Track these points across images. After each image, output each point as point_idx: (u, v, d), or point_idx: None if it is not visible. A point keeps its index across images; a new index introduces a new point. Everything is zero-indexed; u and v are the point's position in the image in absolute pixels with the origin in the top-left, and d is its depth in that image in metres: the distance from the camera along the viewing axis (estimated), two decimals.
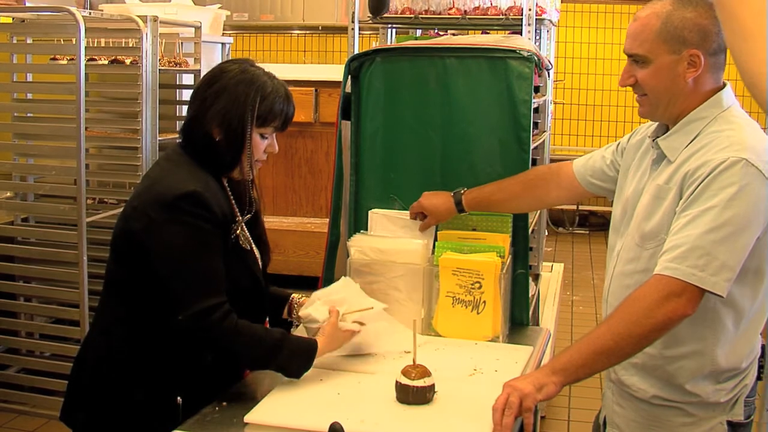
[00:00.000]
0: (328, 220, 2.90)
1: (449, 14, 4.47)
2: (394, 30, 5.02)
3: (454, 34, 4.56)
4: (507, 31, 4.35)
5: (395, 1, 4.54)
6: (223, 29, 4.99)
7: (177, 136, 2.21)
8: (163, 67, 4.00)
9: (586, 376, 1.89)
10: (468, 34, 4.78)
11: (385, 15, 4.54)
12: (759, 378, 2.08)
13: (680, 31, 1.93)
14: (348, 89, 2.81)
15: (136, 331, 2.10)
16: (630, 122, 9.02)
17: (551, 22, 4.67)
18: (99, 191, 4.37)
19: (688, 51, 1.93)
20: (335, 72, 3.62)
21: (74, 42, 3.61)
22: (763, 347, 2.09)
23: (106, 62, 4.06)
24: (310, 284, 2.36)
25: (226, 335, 2.02)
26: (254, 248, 2.27)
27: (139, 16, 3.85)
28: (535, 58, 2.65)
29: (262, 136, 2.15)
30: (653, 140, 2.08)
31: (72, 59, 3.81)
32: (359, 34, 4.60)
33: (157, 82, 3.91)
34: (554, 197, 2.52)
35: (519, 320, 2.71)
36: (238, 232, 2.17)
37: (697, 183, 1.89)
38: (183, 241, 2.00)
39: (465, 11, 4.44)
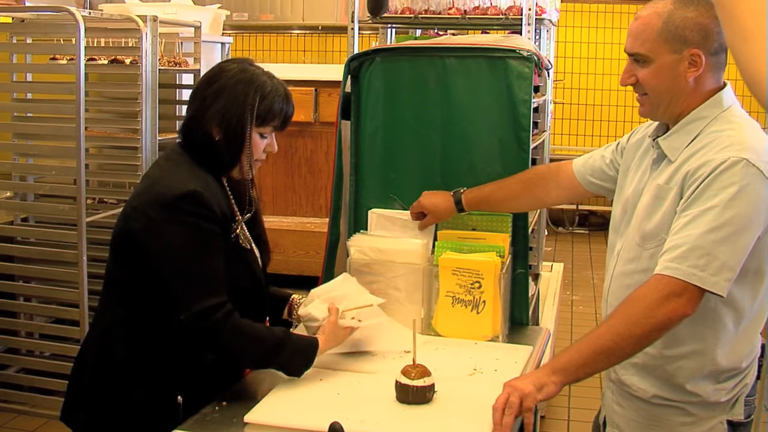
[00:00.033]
0: (327, 219, 2.90)
1: (449, 14, 4.47)
2: (393, 30, 5.02)
3: (453, 34, 4.56)
4: (507, 31, 4.35)
5: (395, 1, 4.54)
6: (223, 29, 4.99)
7: (177, 135, 2.21)
8: (162, 67, 4.00)
9: (586, 376, 1.90)
10: (468, 33, 4.78)
11: (385, 15, 4.54)
12: (759, 377, 2.08)
13: (681, 31, 1.93)
14: (348, 89, 2.81)
15: (136, 331, 2.10)
16: (630, 122, 9.02)
17: (551, 21, 4.67)
18: (99, 191, 4.37)
19: (689, 50, 1.93)
20: (335, 72, 3.62)
21: (74, 42, 3.61)
22: (763, 346, 2.09)
23: (105, 62, 4.06)
24: (309, 284, 2.36)
25: (228, 334, 2.02)
26: (254, 247, 2.27)
27: (138, 16, 3.85)
28: (535, 58, 2.65)
29: (262, 136, 2.15)
30: (653, 140, 2.08)
31: (72, 59, 3.81)
32: (359, 33, 4.61)
33: (157, 81, 3.91)
34: (554, 197, 2.52)
35: (519, 320, 2.71)
36: (237, 231, 2.17)
37: (698, 183, 1.89)
38: (183, 241, 2.00)
39: (465, 11, 4.44)
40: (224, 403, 2.04)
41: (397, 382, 2.02)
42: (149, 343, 2.09)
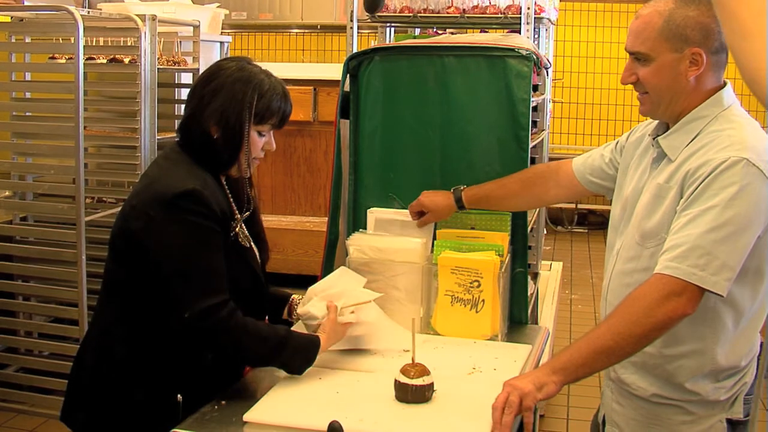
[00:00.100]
0: (326, 218, 2.90)
1: (448, 13, 4.47)
2: (392, 29, 5.02)
3: (452, 33, 4.55)
4: (506, 30, 4.34)
5: (394, 0, 4.53)
6: (222, 28, 4.99)
7: (175, 134, 2.21)
8: (161, 66, 4.00)
9: (586, 375, 1.89)
10: (466, 32, 4.78)
11: (384, 14, 4.54)
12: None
13: (682, 30, 1.93)
14: (347, 88, 2.81)
15: (135, 330, 2.10)
16: (629, 121, 9.03)
17: (550, 20, 4.67)
18: (98, 190, 4.37)
19: (690, 49, 1.93)
20: (334, 71, 3.62)
21: (73, 41, 3.60)
22: (761, 345, 2.09)
23: (104, 61, 4.06)
24: (309, 283, 2.36)
25: (231, 333, 2.02)
26: (253, 246, 2.27)
27: (137, 15, 3.84)
28: (534, 57, 2.65)
29: (260, 134, 2.15)
30: (653, 139, 2.08)
31: (70, 58, 3.81)
32: (358, 33, 4.60)
33: (156, 80, 3.91)
34: (553, 195, 2.52)
35: (518, 319, 2.71)
36: (237, 230, 2.17)
37: (698, 182, 1.89)
38: (183, 240, 2.00)
39: (464, 10, 4.43)
40: (223, 402, 2.04)
41: (396, 381, 2.02)
42: (148, 342, 2.09)
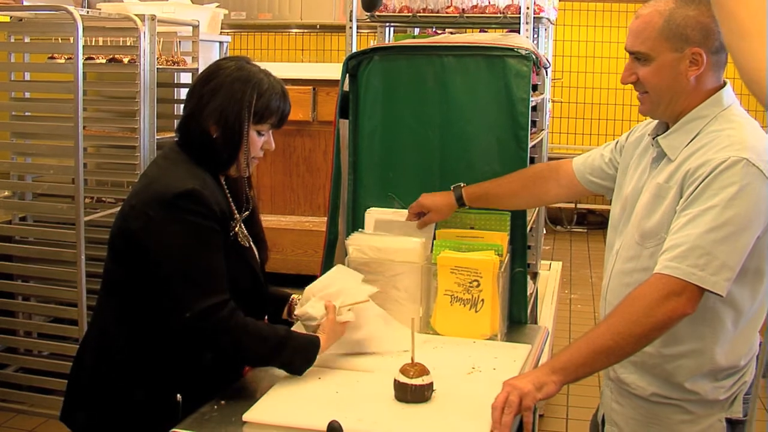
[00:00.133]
0: (326, 218, 2.90)
1: (447, 13, 4.47)
2: (391, 28, 5.02)
3: (452, 33, 4.55)
4: (505, 30, 4.35)
5: (393, 0, 4.54)
6: (221, 28, 4.99)
7: (174, 134, 2.21)
8: (160, 66, 4.00)
9: (586, 375, 1.89)
10: (466, 32, 4.78)
11: (383, 13, 4.54)
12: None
13: (683, 29, 1.93)
14: (346, 88, 2.81)
15: (134, 330, 2.09)
16: (628, 120, 9.03)
17: (549, 20, 4.67)
18: (97, 190, 4.37)
19: (690, 49, 1.93)
20: (333, 70, 3.62)
21: (72, 41, 3.60)
22: (761, 345, 2.09)
23: (103, 61, 4.06)
24: (308, 283, 2.36)
25: (231, 333, 2.02)
26: (252, 246, 2.27)
27: (136, 15, 3.84)
28: (533, 57, 2.65)
29: (259, 133, 2.15)
30: (653, 138, 2.08)
31: (70, 58, 3.81)
32: (357, 32, 4.60)
33: (155, 80, 3.91)
34: (553, 195, 2.52)
35: (517, 318, 2.71)
36: (236, 229, 2.17)
37: (698, 182, 1.89)
38: (183, 240, 2.00)
39: (463, 10, 4.44)
40: (223, 401, 2.04)
41: (395, 380, 2.02)
42: (148, 342, 2.09)
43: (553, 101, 6.55)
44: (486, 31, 4.55)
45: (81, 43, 3.59)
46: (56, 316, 4.08)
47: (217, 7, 4.90)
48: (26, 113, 4.20)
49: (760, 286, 1.96)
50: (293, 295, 2.44)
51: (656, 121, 2.11)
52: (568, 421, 4.42)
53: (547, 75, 4.11)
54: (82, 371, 2.18)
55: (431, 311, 2.53)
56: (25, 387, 4.08)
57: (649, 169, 2.08)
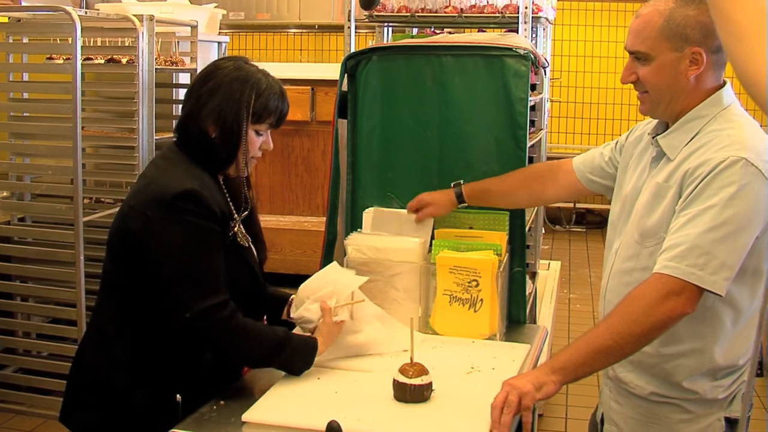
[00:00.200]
0: (324, 218, 2.90)
1: (445, 12, 4.47)
2: (390, 28, 5.02)
3: (450, 33, 4.55)
4: (503, 29, 4.35)
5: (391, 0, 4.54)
6: (220, 28, 4.98)
7: (173, 134, 2.21)
8: (159, 66, 3.99)
9: (585, 375, 1.89)
10: (464, 32, 4.78)
11: (382, 13, 4.55)
12: (756, 375, 2.08)
13: (683, 29, 1.93)
14: (344, 88, 2.81)
15: (133, 331, 2.09)
16: (627, 120, 9.03)
17: (547, 20, 4.67)
18: (96, 190, 4.37)
19: (690, 48, 1.93)
20: (332, 70, 3.62)
21: (70, 41, 3.60)
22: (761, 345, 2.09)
23: (102, 61, 4.05)
24: None
25: (231, 333, 2.02)
26: (251, 246, 2.27)
27: (135, 15, 3.84)
28: (532, 56, 2.65)
29: (258, 133, 2.15)
30: (653, 138, 2.08)
31: (68, 58, 3.80)
32: (355, 32, 4.60)
33: (154, 81, 3.91)
34: (553, 193, 2.52)
35: (516, 318, 2.71)
36: (235, 229, 2.17)
37: (697, 182, 1.89)
38: (183, 240, 2.00)
39: (461, 9, 4.44)
40: (222, 402, 2.04)
41: (394, 380, 2.02)
42: (147, 342, 2.09)
43: (551, 101, 6.55)
44: (484, 31, 4.56)
45: (79, 43, 3.59)
46: (55, 316, 4.07)
47: (215, 7, 4.90)
48: (24, 114, 4.19)
49: (759, 286, 1.96)
50: (293, 296, 2.44)
51: (656, 121, 2.12)
52: (567, 421, 4.42)
53: (545, 74, 4.10)
54: (82, 372, 2.17)
55: (430, 311, 2.53)
56: (24, 388, 4.08)
57: (648, 168, 2.08)
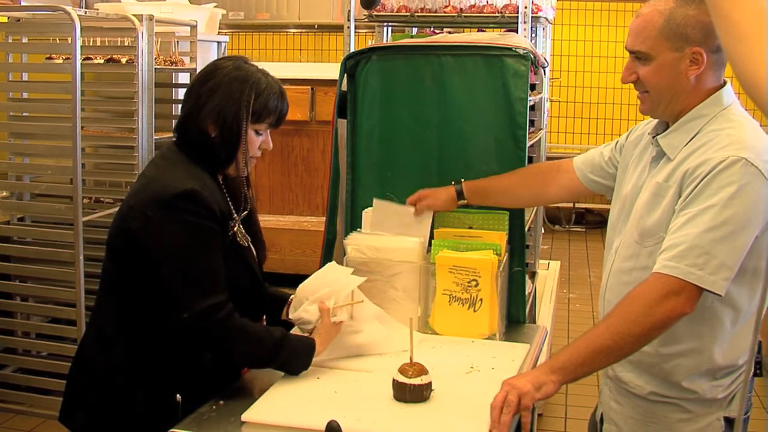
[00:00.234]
0: (324, 218, 2.90)
1: (445, 12, 4.47)
2: (389, 28, 5.02)
3: (450, 32, 4.55)
4: (503, 29, 4.35)
5: None
6: (219, 28, 4.99)
7: (172, 134, 2.21)
8: (158, 66, 4.00)
9: (585, 374, 1.90)
10: (464, 32, 4.78)
11: (381, 13, 4.55)
12: (756, 374, 2.09)
13: (683, 29, 1.93)
14: (344, 87, 2.81)
15: (133, 331, 2.09)
16: (627, 120, 9.03)
17: (547, 19, 4.67)
18: (95, 190, 4.37)
19: (690, 48, 1.93)
20: (331, 70, 3.62)
21: (70, 41, 3.60)
22: (759, 344, 2.09)
23: (101, 61, 4.05)
24: None
25: (229, 334, 2.03)
26: (251, 245, 2.27)
27: (134, 15, 3.84)
28: (531, 56, 2.65)
29: (257, 133, 2.15)
30: (653, 137, 2.08)
31: (68, 58, 3.80)
32: (355, 32, 4.60)
33: (153, 80, 3.91)
34: (553, 193, 2.51)
35: (516, 318, 2.71)
36: (235, 229, 2.17)
37: (697, 182, 1.89)
38: (182, 240, 2.00)
39: (461, 9, 4.44)
40: (222, 401, 2.04)
41: (394, 380, 2.02)
42: (147, 342, 2.09)
43: (551, 100, 6.55)
44: (484, 31, 4.55)
45: (79, 43, 3.59)
46: (54, 316, 4.07)
47: (215, 7, 4.90)
48: (24, 113, 4.19)
49: (758, 286, 1.96)
50: (292, 296, 2.43)
51: (656, 120, 2.12)
52: (566, 420, 4.42)
53: (545, 74, 4.10)
54: (81, 371, 2.17)
55: (430, 311, 2.53)
56: (23, 387, 4.08)
57: (648, 167, 2.08)
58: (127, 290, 2.09)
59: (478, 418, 1.89)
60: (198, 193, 2.01)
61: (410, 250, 2.53)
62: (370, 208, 2.70)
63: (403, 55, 2.76)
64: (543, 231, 4.82)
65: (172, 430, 1.91)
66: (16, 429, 4.09)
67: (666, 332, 1.89)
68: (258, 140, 2.16)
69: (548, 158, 4.08)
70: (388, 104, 2.75)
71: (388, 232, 2.61)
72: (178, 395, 2.06)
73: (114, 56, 4.03)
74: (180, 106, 2.23)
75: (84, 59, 3.86)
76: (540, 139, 4.09)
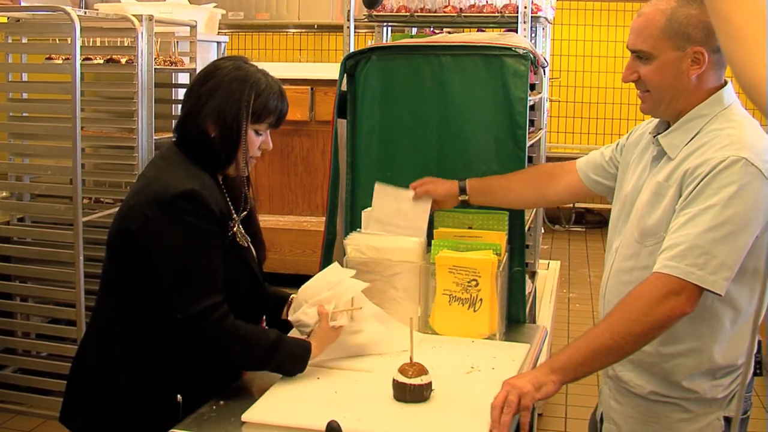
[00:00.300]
0: (324, 218, 2.90)
1: (445, 12, 4.47)
2: (389, 28, 5.02)
3: (449, 32, 4.55)
4: (503, 29, 4.35)
5: None
6: (219, 28, 4.99)
7: (172, 134, 2.21)
8: (158, 66, 4.00)
9: (585, 374, 1.90)
10: (464, 32, 4.78)
11: (381, 13, 4.55)
12: (756, 374, 2.09)
13: (685, 28, 1.93)
14: (344, 87, 2.81)
15: (133, 331, 2.09)
16: (627, 120, 9.03)
17: (547, 19, 4.67)
18: (95, 191, 4.37)
19: (692, 48, 1.93)
20: (331, 70, 3.62)
21: (69, 41, 3.60)
22: (759, 343, 2.09)
23: (101, 61, 4.05)
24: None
25: (224, 335, 2.02)
26: (251, 246, 2.27)
27: (134, 15, 3.84)
28: (531, 56, 2.65)
29: (257, 133, 2.15)
30: (654, 137, 2.08)
31: (67, 59, 3.80)
32: (355, 32, 4.60)
33: (153, 81, 3.91)
34: (555, 192, 2.51)
35: (516, 318, 2.71)
36: (235, 229, 2.17)
37: (697, 181, 1.89)
38: (182, 241, 2.00)
39: (460, 9, 4.44)
40: (222, 402, 2.04)
41: (394, 380, 2.01)
42: (147, 342, 2.09)
43: (551, 100, 6.55)
44: (484, 31, 4.55)
45: (78, 43, 3.59)
46: (54, 316, 4.07)
47: (214, 7, 4.90)
48: (24, 114, 4.19)
49: (758, 286, 1.96)
50: (293, 296, 2.43)
51: (657, 120, 2.12)
52: (566, 420, 4.42)
53: (545, 74, 4.10)
54: (81, 372, 2.17)
55: (430, 311, 2.53)
56: (23, 388, 4.07)
57: (649, 167, 2.09)
58: (128, 290, 2.09)
59: (479, 418, 1.89)
60: (198, 193, 2.01)
61: (410, 250, 2.53)
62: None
63: (402, 55, 2.76)
64: (543, 231, 4.82)
65: (172, 430, 1.91)
66: (16, 429, 4.09)
67: (666, 332, 1.89)
68: (258, 140, 2.16)
69: (548, 158, 4.09)
70: (387, 104, 2.75)
71: (385, 216, 2.60)
72: (178, 395, 2.06)
73: (114, 56, 4.03)
74: (180, 106, 2.23)
75: (84, 59, 3.86)
76: (540, 139, 4.09)
